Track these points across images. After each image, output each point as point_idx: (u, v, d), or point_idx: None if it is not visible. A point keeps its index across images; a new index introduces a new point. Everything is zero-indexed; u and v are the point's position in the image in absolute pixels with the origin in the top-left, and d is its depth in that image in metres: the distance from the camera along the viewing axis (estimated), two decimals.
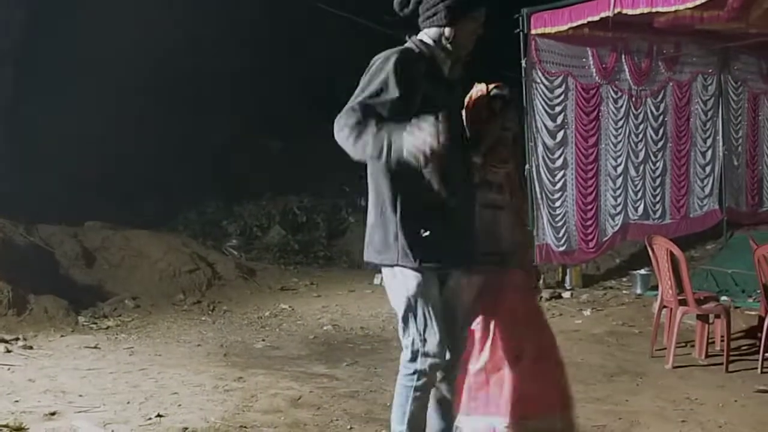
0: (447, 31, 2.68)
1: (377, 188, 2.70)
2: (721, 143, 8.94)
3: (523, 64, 7.50)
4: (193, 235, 9.27)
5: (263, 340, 5.72)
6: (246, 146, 11.53)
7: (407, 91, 2.53)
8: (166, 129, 10.22)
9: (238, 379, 4.48)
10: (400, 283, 2.68)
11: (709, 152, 8.92)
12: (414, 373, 2.68)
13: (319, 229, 10.34)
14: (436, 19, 2.68)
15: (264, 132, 11.88)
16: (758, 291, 5.39)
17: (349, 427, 3.70)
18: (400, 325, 2.73)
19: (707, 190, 8.90)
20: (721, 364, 4.80)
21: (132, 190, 9.86)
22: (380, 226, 2.67)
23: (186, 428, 3.59)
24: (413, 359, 2.68)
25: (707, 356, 5.02)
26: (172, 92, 10.30)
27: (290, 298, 7.35)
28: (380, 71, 2.54)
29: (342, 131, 2.47)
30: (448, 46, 2.70)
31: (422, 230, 2.61)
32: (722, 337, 4.96)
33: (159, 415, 3.73)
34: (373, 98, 2.51)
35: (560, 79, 7.67)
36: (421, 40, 2.74)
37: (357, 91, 2.57)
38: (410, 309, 2.67)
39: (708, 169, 8.92)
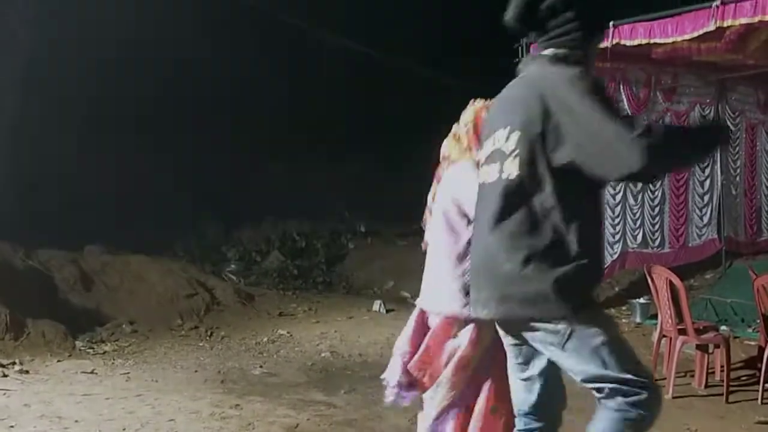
0: (586, 49, 2.38)
1: (546, 221, 2.23)
2: (719, 172, 8.99)
3: None
4: (191, 260, 9.27)
5: (261, 367, 5.69)
6: (246, 171, 11.59)
7: None
8: (165, 152, 10.28)
9: (235, 407, 4.44)
10: (586, 336, 2.24)
11: (708, 181, 8.96)
12: (642, 411, 2.23)
13: (318, 254, 10.35)
14: (575, 36, 2.34)
15: (264, 156, 11.95)
16: (758, 321, 5.38)
17: None
18: (609, 378, 2.23)
19: (706, 219, 8.92)
20: (721, 394, 4.77)
21: (131, 215, 9.88)
22: (545, 272, 2.21)
23: None
24: (639, 398, 2.22)
25: (707, 386, 4.99)
26: (172, 115, 10.39)
27: (289, 324, 7.32)
28: (604, 92, 2.28)
29: (657, 147, 2.05)
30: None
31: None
32: (722, 367, 4.94)
33: None
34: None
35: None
36: (564, 57, 2.34)
37: (608, 114, 2.12)
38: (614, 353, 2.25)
39: (707, 198, 8.95)
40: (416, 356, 2.82)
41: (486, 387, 2.75)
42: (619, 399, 2.23)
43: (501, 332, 2.48)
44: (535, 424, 2.47)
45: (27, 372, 5.27)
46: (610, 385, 2.23)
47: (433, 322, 2.83)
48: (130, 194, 9.93)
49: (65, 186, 9.08)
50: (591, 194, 2.32)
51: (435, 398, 2.77)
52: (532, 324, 2.28)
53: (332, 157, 11.92)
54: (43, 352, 5.88)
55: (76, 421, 4.07)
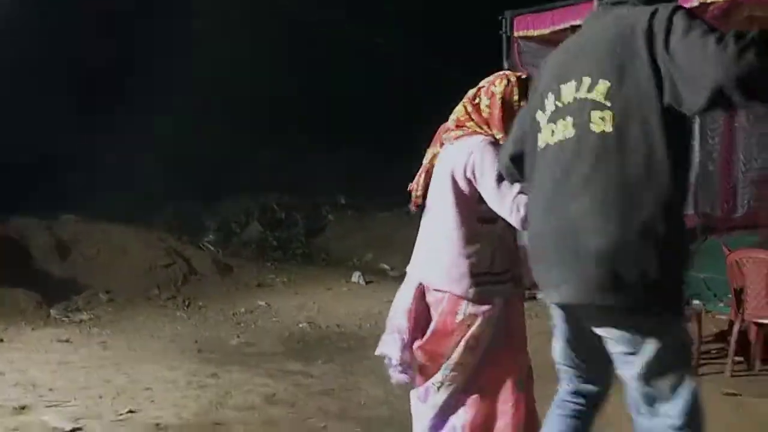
0: None
1: (633, 189, 1.83)
2: (697, 148, 9.05)
3: (505, 66, 7.54)
4: (169, 230, 9.18)
5: (238, 337, 5.69)
6: (230, 144, 11.45)
7: None
8: (145, 121, 10.12)
9: (212, 376, 4.45)
10: (674, 333, 1.97)
11: None
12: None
13: (297, 226, 10.31)
14: None
15: (256, 135, 11.81)
16: (729, 296, 5.47)
17: (323, 425, 3.69)
18: (669, 387, 1.95)
19: None
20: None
21: (109, 184, 9.75)
22: (635, 253, 1.82)
23: (158, 424, 3.56)
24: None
25: None
26: (156, 88, 10.21)
27: (267, 295, 7.32)
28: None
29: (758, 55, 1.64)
30: None
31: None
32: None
33: (131, 411, 3.70)
34: None
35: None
36: None
37: (705, 28, 1.75)
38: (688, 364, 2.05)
39: None
40: (424, 340, 2.62)
41: (505, 361, 2.58)
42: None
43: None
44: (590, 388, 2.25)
45: (1, 340, 5.23)
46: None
47: (435, 298, 2.61)
48: (107, 163, 9.77)
49: (38, 151, 8.91)
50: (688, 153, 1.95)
51: (443, 384, 2.60)
52: (618, 316, 1.91)
53: (320, 139, 11.81)
54: (18, 321, 5.83)
55: (51, 389, 4.04)
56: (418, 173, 2.80)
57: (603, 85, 1.90)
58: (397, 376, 2.73)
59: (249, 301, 6.99)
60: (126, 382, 4.27)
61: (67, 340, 5.33)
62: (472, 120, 2.60)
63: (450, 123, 2.68)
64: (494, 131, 2.57)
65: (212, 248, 9.09)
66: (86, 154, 9.56)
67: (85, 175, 9.53)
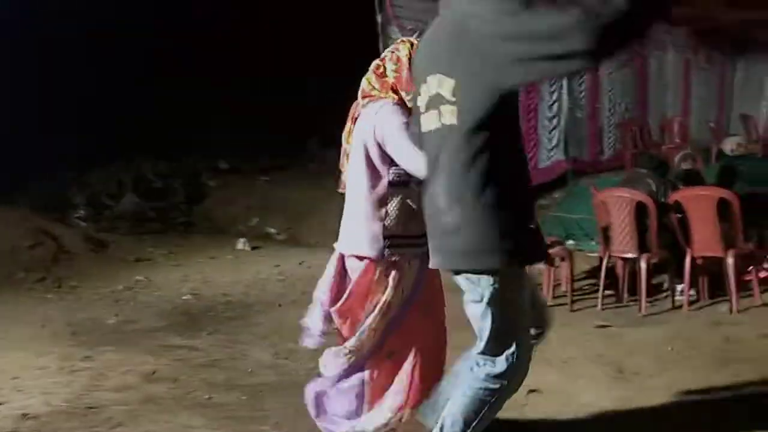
0: None
1: (468, 166, 2.19)
2: (566, 97, 9.45)
3: (379, 20, 7.46)
4: (34, 208, 8.52)
5: (116, 315, 5.40)
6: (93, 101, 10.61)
7: None
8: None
9: (85, 359, 4.20)
10: (504, 289, 2.29)
11: (555, 105, 9.40)
12: (504, 381, 2.39)
13: (177, 194, 9.88)
14: None
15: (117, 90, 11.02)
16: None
17: (207, 396, 3.59)
18: (493, 338, 2.34)
19: (554, 141, 9.40)
20: (566, 303, 5.14)
21: None
22: (474, 223, 2.21)
23: (26, 414, 3.33)
24: (507, 369, 2.36)
25: (554, 297, 5.35)
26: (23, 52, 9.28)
27: (147, 269, 6.98)
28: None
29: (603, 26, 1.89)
30: None
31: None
32: (567, 278, 5.31)
33: None
34: None
35: (417, 35, 7.68)
36: None
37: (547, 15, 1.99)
38: (516, 313, 2.36)
39: (555, 122, 9.41)
40: (339, 302, 2.73)
41: (415, 327, 2.74)
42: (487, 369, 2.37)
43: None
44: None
45: None
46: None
47: (353, 266, 2.73)
48: None
49: None
50: (512, 125, 2.30)
51: (356, 347, 2.70)
52: (467, 276, 2.30)
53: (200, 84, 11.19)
54: None
55: None
56: (341, 155, 2.86)
57: (448, 82, 2.20)
58: (312, 343, 2.85)
59: (127, 277, 6.63)
60: None
61: None
62: (376, 89, 2.71)
63: (359, 99, 2.78)
64: (402, 94, 2.67)
65: (84, 224, 8.56)
66: None
67: None
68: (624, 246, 5.10)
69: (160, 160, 10.48)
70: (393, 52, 2.76)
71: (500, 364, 2.34)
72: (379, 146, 2.62)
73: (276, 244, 8.34)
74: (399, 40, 2.84)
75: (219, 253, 7.61)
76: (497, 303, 2.28)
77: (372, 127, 2.63)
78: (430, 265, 2.44)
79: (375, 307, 2.66)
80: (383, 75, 2.72)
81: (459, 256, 2.28)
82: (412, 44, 2.72)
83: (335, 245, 2.85)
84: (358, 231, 2.68)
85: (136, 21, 11.12)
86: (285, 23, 12.46)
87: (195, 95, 11.15)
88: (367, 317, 2.67)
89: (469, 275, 2.29)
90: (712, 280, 5.19)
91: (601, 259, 5.33)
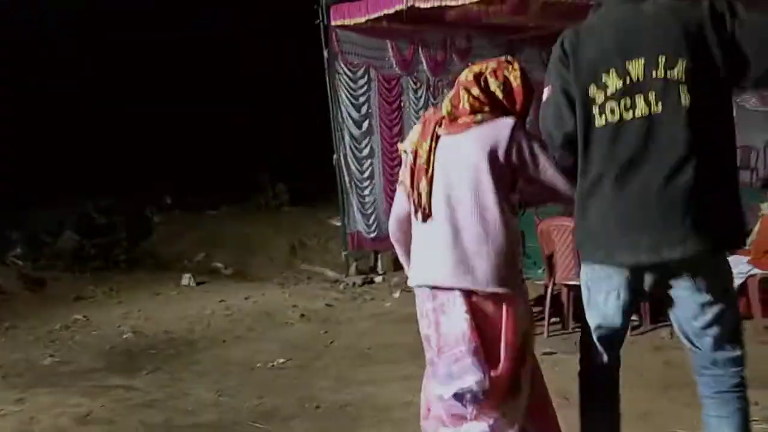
0: None
1: (718, 144, 2.12)
2: None
3: (325, 55, 7.54)
4: None
5: (51, 356, 5.16)
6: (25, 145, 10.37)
7: None
8: None
9: (16, 402, 3.99)
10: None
11: None
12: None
13: (119, 231, 9.62)
14: None
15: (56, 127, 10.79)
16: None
17: None
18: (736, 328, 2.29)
19: None
20: None
21: None
22: (731, 202, 2.13)
23: None
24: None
25: None
26: None
27: (86, 308, 6.74)
28: None
29: None
30: None
31: None
32: None
33: None
34: None
35: (362, 70, 7.83)
36: None
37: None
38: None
39: None
40: (503, 364, 2.42)
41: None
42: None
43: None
44: None
45: None
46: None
47: (489, 304, 2.38)
48: None
49: None
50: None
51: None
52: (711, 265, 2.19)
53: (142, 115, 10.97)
54: None
55: None
56: (415, 176, 2.49)
57: (672, 62, 2.07)
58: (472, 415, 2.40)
59: (65, 316, 6.38)
60: None
61: None
62: (489, 103, 2.37)
63: (444, 112, 2.43)
64: (516, 113, 2.39)
65: (20, 263, 8.23)
66: None
67: None
68: (568, 273, 5.16)
69: (102, 196, 10.21)
70: (500, 70, 2.41)
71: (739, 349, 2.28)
72: (508, 168, 2.34)
73: (222, 279, 8.18)
74: (495, 60, 2.46)
75: (163, 290, 7.42)
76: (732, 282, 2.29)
77: (506, 147, 2.32)
78: (676, 255, 2.12)
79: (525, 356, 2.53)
80: (489, 90, 2.39)
81: (725, 234, 2.14)
82: (512, 64, 2.44)
83: (418, 281, 2.52)
84: (494, 264, 2.34)
85: (67, 55, 10.95)
86: (232, 61, 12.45)
87: (139, 129, 10.98)
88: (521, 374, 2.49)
89: (712, 264, 2.17)
90: (653, 306, 5.28)
91: (546, 287, 5.38)
